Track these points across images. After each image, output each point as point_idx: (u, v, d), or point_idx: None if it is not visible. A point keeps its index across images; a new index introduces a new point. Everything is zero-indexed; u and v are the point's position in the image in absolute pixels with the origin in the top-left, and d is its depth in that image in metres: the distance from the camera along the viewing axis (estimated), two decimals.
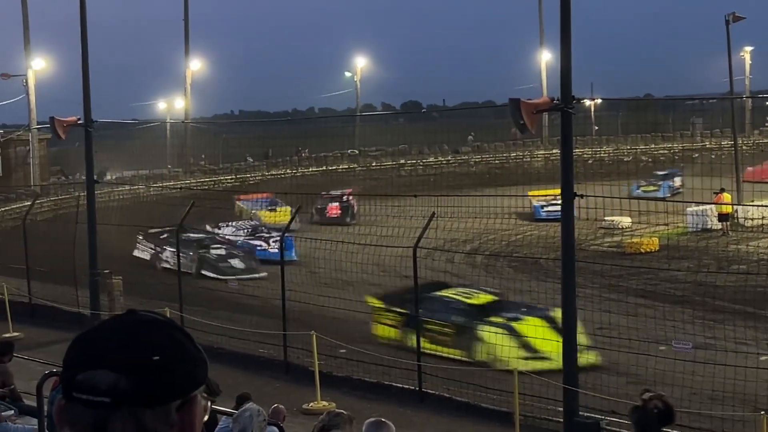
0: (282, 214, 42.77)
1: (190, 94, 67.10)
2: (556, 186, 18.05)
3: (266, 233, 40.50)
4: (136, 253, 38.49)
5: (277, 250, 33.58)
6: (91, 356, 1.93)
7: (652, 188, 51.73)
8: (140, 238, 38.66)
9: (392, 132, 71.82)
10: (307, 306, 27.33)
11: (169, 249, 35.82)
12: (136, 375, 1.89)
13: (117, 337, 1.96)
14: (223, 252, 36.82)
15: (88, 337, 1.99)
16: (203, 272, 34.88)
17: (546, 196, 47.12)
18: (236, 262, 36.19)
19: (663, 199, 42.46)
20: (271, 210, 46.02)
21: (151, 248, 38.18)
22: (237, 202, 48.01)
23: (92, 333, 2.00)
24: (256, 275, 33.83)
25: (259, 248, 38.79)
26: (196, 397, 1.97)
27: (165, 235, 36.85)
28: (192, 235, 35.66)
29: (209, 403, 2.09)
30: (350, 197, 49.72)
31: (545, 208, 45.55)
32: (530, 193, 48.34)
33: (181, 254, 29.91)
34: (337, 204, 48.89)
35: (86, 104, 26.96)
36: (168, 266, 35.45)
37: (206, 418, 2.08)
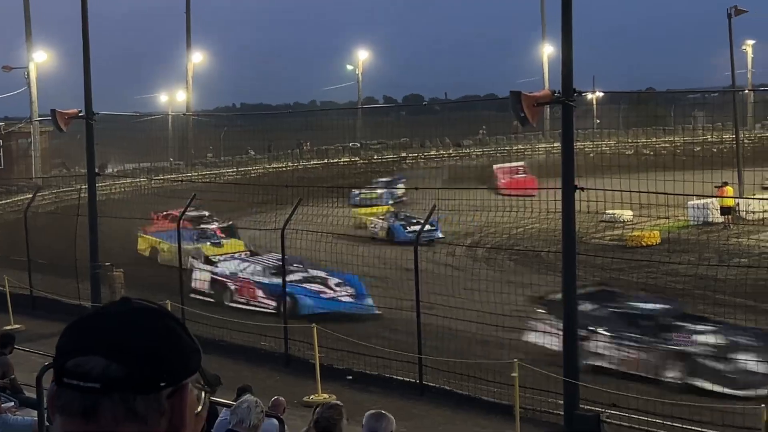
0: (231, 248, 34.36)
1: (192, 87, 67.08)
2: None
3: (303, 270, 28.77)
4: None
5: (350, 299, 27.56)
6: (83, 342, 1.93)
7: (373, 196, 49.70)
8: None
9: (394, 125, 71.78)
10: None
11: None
12: (127, 361, 1.89)
13: (109, 324, 1.96)
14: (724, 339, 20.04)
15: (81, 324, 1.99)
16: (693, 381, 19.50)
17: (378, 213, 42.77)
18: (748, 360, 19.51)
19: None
20: (215, 244, 35.36)
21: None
22: (142, 236, 37.21)
23: (84, 320, 2.00)
24: None
25: (323, 296, 27.81)
26: (188, 386, 1.97)
27: (595, 309, 21.83)
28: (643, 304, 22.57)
29: (204, 394, 2.08)
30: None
31: (409, 229, 38.64)
32: (360, 212, 42.75)
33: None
34: (215, 225, 39.88)
35: (87, 96, 26.97)
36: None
37: (200, 408, 2.08)
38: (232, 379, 14.69)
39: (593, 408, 17.58)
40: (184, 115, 63.34)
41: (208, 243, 35.08)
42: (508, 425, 17.20)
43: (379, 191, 50.94)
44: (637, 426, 17.01)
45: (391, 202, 48.33)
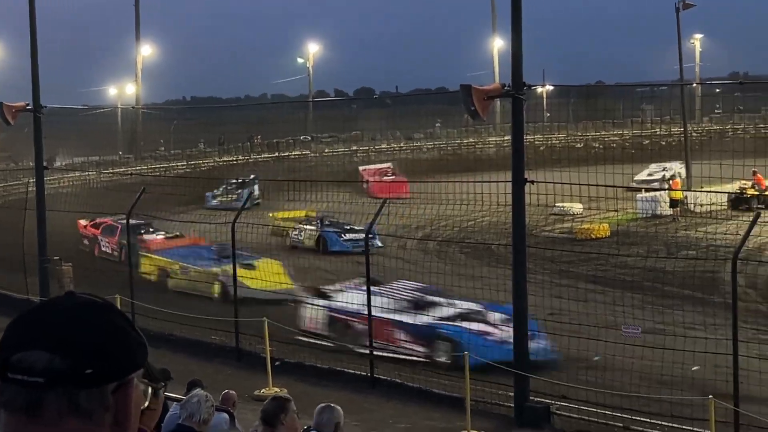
0: (267, 270, 27.11)
1: (141, 80, 66.66)
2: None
3: (449, 303, 22.80)
4: None
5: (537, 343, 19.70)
6: (27, 337, 1.92)
7: (231, 197, 47.21)
8: None
9: (345, 118, 71.77)
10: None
11: None
12: (71, 355, 1.88)
13: (53, 318, 1.94)
14: None
15: (25, 318, 1.98)
16: None
17: (297, 218, 37.82)
18: None
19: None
20: (246, 266, 27.42)
21: None
22: (146, 256, 31.30)
23: (29, 314, 1.99)
24: None
25: (490, 339, 20.90)
26: (133, 381, 1.96)
27: None
28: None
29: (150, 389, 2.07)
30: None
31: (345, 237, 35.47)
32: (278, 216, 37.44)
33: None
34: (161, 236, 35.08)
35: (35, 89, 26.73)
36: None
37: (146, 403, 2.07)
38: (182, 374, 14.59)
39: (543, 400, 17.70)
40: (133, 108, 62.98)
41: (241, 266, 28.09)
42: (458, 417, 17.26)
43: (237, 192, 48.04)
44: (586, 417, 17.14)
45: (248, 205, 45.87)
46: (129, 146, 64.00)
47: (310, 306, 23.75)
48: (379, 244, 31.63)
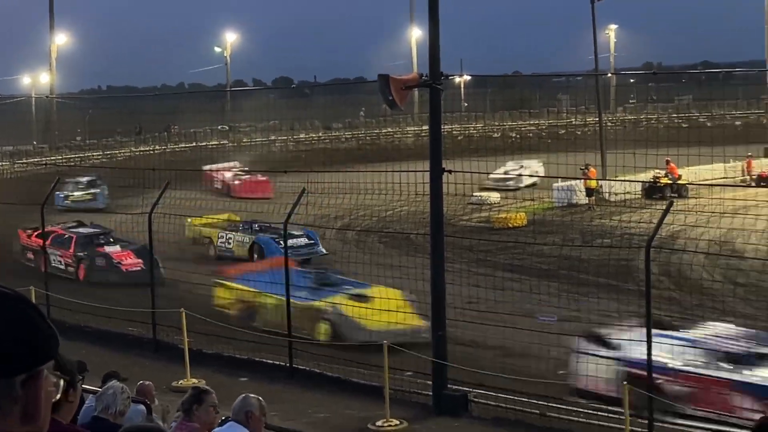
0: (385, 302, 20.67)
1: (56, 69, 65.76)
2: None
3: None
4: None
5: None
6: None
7: (87, 197, 44.98)
8: None
9: (264, 108, 71.52)
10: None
11: None
12: None
13: None
14: None
15: None
16: None
17: (220, 223, 33.90)
18: None
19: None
20: (357, 297, 22.35)
21: None
22: (222, 283, 25.06)
23: None
24: None
25: None
26: (42, 372, 1.95)
27: None
28: None
29: (63, 382, 2.06)
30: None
31: (283, 243, 25.92)
32: (195, 222, 32.94)
33: None
34: (118, 248, 30.90)
35: None
36: None
37: (58, 396, 2.06)
38: (98, 366, 14.43)
39: (461, 388, 17.82)
40: (47, 97, 62.08)
41: (341, 293, 22.88)
42: (377, 406, 17.31)
43: (91, 191, 45.44)
44: (504, 405, 17.29)
45: (102, 205, 42.56)
46: (43, 136, 63.12)
47: (588, 357, 17.44)
48: (323, 251, 30.60)
